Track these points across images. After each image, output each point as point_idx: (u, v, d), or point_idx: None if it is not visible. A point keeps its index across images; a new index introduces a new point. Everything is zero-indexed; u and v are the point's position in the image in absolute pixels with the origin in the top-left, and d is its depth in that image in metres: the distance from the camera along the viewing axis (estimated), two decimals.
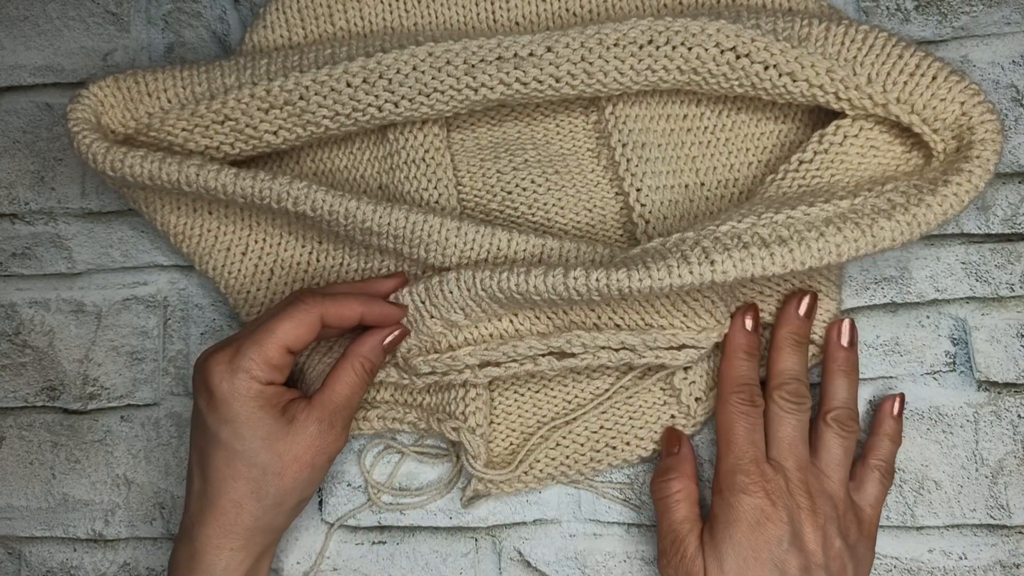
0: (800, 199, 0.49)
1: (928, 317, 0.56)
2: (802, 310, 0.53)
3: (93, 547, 0.60)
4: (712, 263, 0.46)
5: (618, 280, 0.47)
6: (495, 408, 0.56)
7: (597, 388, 0.56)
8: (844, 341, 0.53)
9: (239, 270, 0.58)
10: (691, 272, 0.46)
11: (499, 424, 0.56)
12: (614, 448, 0.55)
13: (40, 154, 0.63)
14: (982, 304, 0.56)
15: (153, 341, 0.61)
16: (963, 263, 0.56)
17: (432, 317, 0.52)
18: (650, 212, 0.55)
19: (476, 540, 0.57)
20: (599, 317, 0.52)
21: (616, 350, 0.52)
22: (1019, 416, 0.55)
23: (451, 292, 0.51)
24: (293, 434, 0.50)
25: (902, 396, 0.54)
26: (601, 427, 0.56)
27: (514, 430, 0.56)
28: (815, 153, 0.51)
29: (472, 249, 0.52)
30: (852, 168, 0.51)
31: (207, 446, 0.49)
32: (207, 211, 0.58)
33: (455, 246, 0.52)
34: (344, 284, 0.55)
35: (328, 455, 0.51)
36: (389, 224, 0.52)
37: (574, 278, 0.47)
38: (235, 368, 0.49)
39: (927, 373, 0.56)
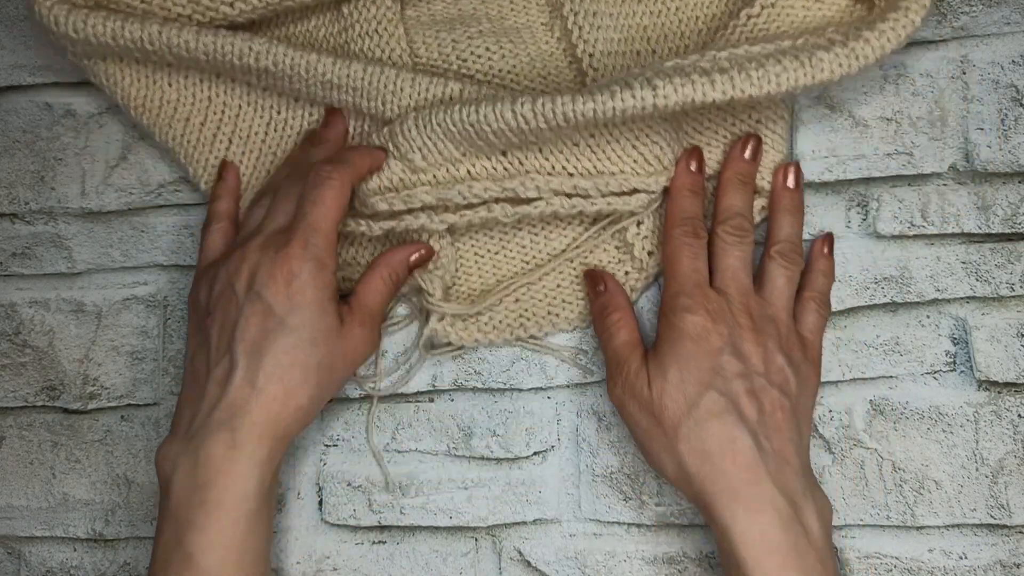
0: (744, 43, 0.51)
1: (928, 317, 0.56)
2: (747, 153, 0.55)
3: (93, 547, 0.60)
4: (654, 88, 0.48)
5: (563, 104, 0.49)
6: (456, 270, 0.58)
7: (554, 248, 0.58)
8: (790, 183, 0.55)
9: (198, 139, 0.59)
10: (633, 96, 0.48)
11: (460, 285, 0.58)
12: (569, 303, 0.58)
13: (40, 154, 0.63)
14: (982, 304, 0.56)
15: (153, 341, 0.61)
16: (963, 263, 0.56)
17: (393, 158, 0.54)
18: (603, 77, 0.57)
19: (476, 540, 0.57)
20: (553, 166, 0.54)
21: (569, 196, 0.54)
22: (1019, 416, 0.55)
23: (409, 131, 0.53)
24: (343, 334, 0.52)
25: (831, 236, 0.56)
26: (558, 285, 0.58)
27: (474, 289, 0.58)
28: (762, 7, 0.54)
29: (426, 99, 0.54)
30: (798, 21, 0.54)
31: (267, 334, 0.50)
32: (167, 83, 0.59)
33: (410, 96, 0.54)
34: (319, 149, 0.57)
35: (364, 357, 0.55)
36: (348, 76, 0.54)
37: (521, 103, 0.50)
38: (309, 257, 0.50)
39: (927, 373, 0.56)
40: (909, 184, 0.57)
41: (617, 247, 0.57)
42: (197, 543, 0.48)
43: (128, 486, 0.60)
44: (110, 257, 0.62)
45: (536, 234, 0.58)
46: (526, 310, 0.58)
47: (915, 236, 0.56)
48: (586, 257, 0.58)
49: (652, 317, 0.58)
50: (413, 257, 0.55)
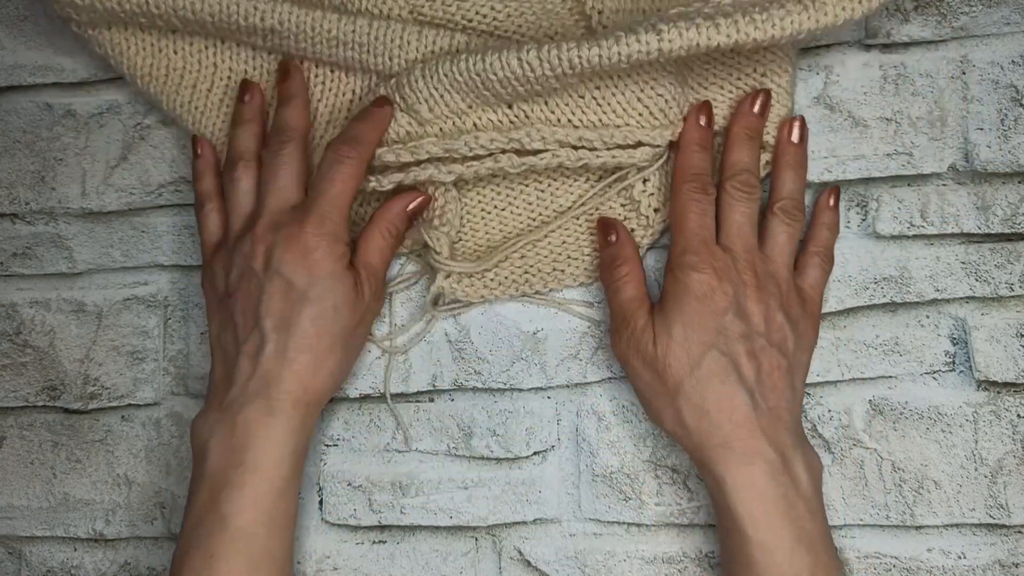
0: None
1: (928, 317, 0.56)
2: (756, 107, 0.55)
3: (94, 547, 0.60)
4: (659, 32, 0.49)
5: (568, 51, 0.50)
6: (463, 226, 0.58)
7: (561, 204, 0.58)
8: (795, 137, 0.55)
9: (205, 105, 0.60)
10: (638, 41, 0.49)
11: (467, 241, 0.58)
12: (575, 259, 0.58)
13: (40, 154, 0.63)
14: (982, 304, 0.56)
15: (154, 341, 0.61)
16: (963, 263, 0.56)
17: (400, 110, 0.54)
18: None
19: (476, 540, 0.58)
20: (558, 118, 0.55)
21: (575, 147, 0.55)
22: (1018, 416, 0.55)
23: (416, 82, 0.54)
24: (358, 297, 0.53)
25: (837, 188, 0.56)
26: (564, 241, 0.58)
27: (481, 245, 0.59)
28: None
29: (433, 53, 0.55)
30: None
31: (292, 307, 0.51)
32: (172, 50, 0.59)
33: (417, 50, 0.55)
34: (289, 110, 0.56)
35: (376, 315, 0.57)
36: (353, 31, 0.55)
37: (527, 51, 0.50)
38: (326, 232, 0.52)
39: (927, 373, 0.56)
40: (909, 184, 0.57)
41: (623, 204, 0.58)
42: (232, 502, 0.50)
43: (128, 486, 0.60)
44: (110, 257, 0.62)
45: (543, 190, 0.59)
46: (532, 266, 0.58)
47: (915, 236, 0.56)
48: (592, 213, 0.58)
49: (658, 276, 0.58)
50: (411, 206, 0.56)
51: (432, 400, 0.59)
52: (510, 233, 0.59)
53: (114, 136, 0.62)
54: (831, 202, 0.56)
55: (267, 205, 0.54)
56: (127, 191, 0.62)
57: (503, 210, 0.59)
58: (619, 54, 0.49)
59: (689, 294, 0.51)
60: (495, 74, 0.51)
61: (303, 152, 0.56)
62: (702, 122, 0.55)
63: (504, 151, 0.55)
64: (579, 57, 0.50)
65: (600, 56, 0.49)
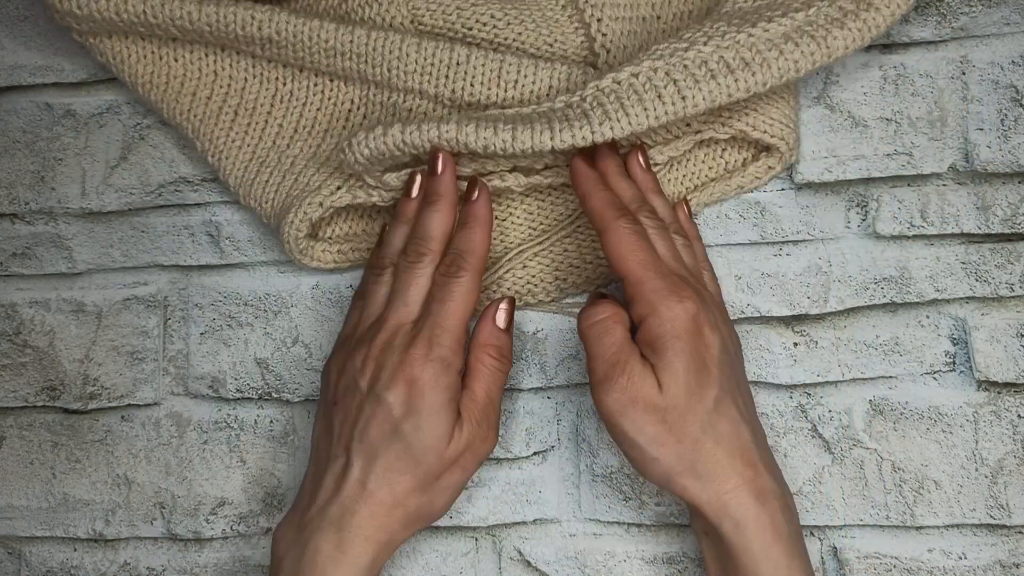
0: (758, 15, 0.51)
1: (928, 317, 0.56)
2: (608, 149, 0.53)
3: (93, 547, 0.60)
4: (684, 99, 0.49)
5: (603, 133, 0.49)
6: None
7: (561, 215, 0.58)
8: (643, 163, 0.54)
9: (204, 112, 0.59)
10: (667, 112, 0.49)
11: None
12: (576, 267, 0.58)
13: (40, 154, 0.63)
14: (982, 304, 0.56)
15: (153, 341, 0.61)
16: (963, 263, 0.56)
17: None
18: (611, 42, 0.57)
19: (476, 540, 0.58)
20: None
21: None
22: (1019, 416, 0.55)
23: (435, 140, 0.52)
24: (456, 438, 0.50)
25: (687, 200, 0.57)
26: (565, 251, 0.58)
27: None
28: None
29: (432, 65, 0.55)
30: None
31: (382, 437, 0.49)
32: (172, 58, 0.59)
33: (416, 62, 0.55)
34: (433, 213, 0.53)
35: (478, 457, 0.52)
36: (352, 41, 0.55)
37: (561, 140, 0.50)
38: (433, 359, 0.49)
39: (927, 373, 0.56)
40: (909, 184, 0.57)
41: None
42: None
43: (128, 486, 0.60)
44: (110, 257, 0.62)
45: (543, 200, 0.59)
46: (534, 276, 0.58)
47: (915, 236, 0.56)
48: (591, 224, 0.58)
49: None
50: (500, 320, 0.53)
51: None
52: (511, 244, 0.59)
53: (114, 136, 0.62)
54: (686, 212, 0.56)
55: (388, 320, 0.51)
56: (127, 191, 0.62)
57: (504, 221, 0.59)
58: (649, 127, 0.49)
59: (683, 331, 0.47)
60: (523, 153, 0.51)
61: (437, 268, 0.52)
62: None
63: (509, 171, 0.55)
64: (613, 137, 0.49)
65: (633, 131, 0.49)
